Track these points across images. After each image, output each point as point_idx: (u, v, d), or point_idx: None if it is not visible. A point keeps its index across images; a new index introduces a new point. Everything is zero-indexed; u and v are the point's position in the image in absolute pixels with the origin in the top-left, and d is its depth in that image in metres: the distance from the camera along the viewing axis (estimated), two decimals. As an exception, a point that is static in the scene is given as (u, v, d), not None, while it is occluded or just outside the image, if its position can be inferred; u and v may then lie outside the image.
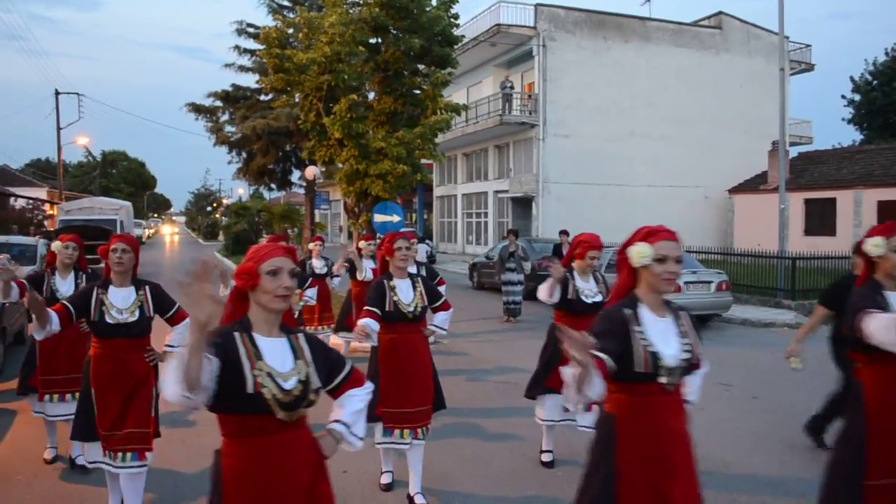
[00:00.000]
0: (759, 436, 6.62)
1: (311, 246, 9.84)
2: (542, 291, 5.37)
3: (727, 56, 30.89)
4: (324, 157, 13.85)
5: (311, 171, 19.88)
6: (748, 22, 32.09)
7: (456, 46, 14.87)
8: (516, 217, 29.91)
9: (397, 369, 4.87)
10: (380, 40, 13.85)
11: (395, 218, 12.83)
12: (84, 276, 5.74)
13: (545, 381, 5.55)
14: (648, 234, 3.08)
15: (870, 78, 39.93)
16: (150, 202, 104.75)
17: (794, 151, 31.16)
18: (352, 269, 9.11)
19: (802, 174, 27.73)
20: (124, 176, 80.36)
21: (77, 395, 4.97)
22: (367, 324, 4.68)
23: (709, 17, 32.23)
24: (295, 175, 28.70)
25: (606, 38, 28.77)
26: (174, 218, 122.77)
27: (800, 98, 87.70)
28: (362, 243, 9.36)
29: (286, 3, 25.26)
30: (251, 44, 25.32)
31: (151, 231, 73.06)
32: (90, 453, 4.65)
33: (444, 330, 5.42)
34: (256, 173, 27.17)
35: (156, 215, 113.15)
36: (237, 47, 26.24)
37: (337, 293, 10.70)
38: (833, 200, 25.58)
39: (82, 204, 28.78)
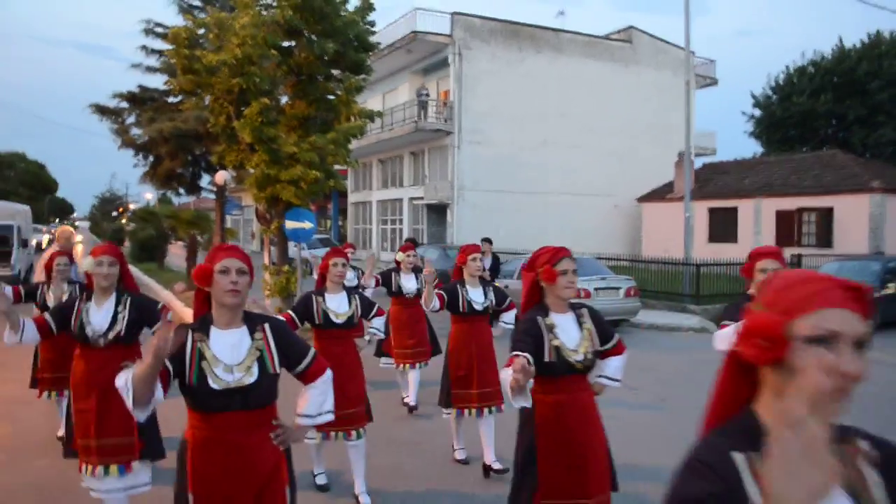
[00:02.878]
0: (667, 438, 6.79)
1: (402, 257, 8.41)
2: (423, 300, 5.85)
3: (637, 69, 31.82)
4: (234, 161, 13.54)
5: (222, 176, 19.44)
6: (657, 37, 33.17)
7: (371, 52, 14.79)
8: (431, 224, 30.00)
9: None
10: (293, 44, 13.65)
11: (308, 225, 12.64)
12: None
13: (453, 398, 5.96)
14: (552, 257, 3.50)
15: (770, 93, 41.79)
16: (51, 206, 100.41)
17: (699, 162, 32.32)
18: (387, 284, 8.03)
19: (707, 184, 28.77)
20: (22, 179, 76.76)
21: None
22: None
23: (620, 31, 33.13)
24: (205, 180, 27.98)
25: (521, 48, 29.21)
26: (78, 223, 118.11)
27: (705, 111, 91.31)
28: (400, 255, 8.23)
29: (196, 3, 24.63)
30: (159, 44, 24.57)
31: (53, 237, 69.89)
32: None
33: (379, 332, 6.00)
34: (164, 177, 26.33)
35: (58, 220, 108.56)
36: (144, 47, 25.41)
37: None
38: (735, 209, 26.65)
39: (-26, 208, 27.24)
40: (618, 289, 13.95)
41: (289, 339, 2.94)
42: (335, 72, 14.13)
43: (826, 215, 23.54)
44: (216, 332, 2.79)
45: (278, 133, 12.58)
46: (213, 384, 2.67)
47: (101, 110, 26.22)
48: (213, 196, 27.14)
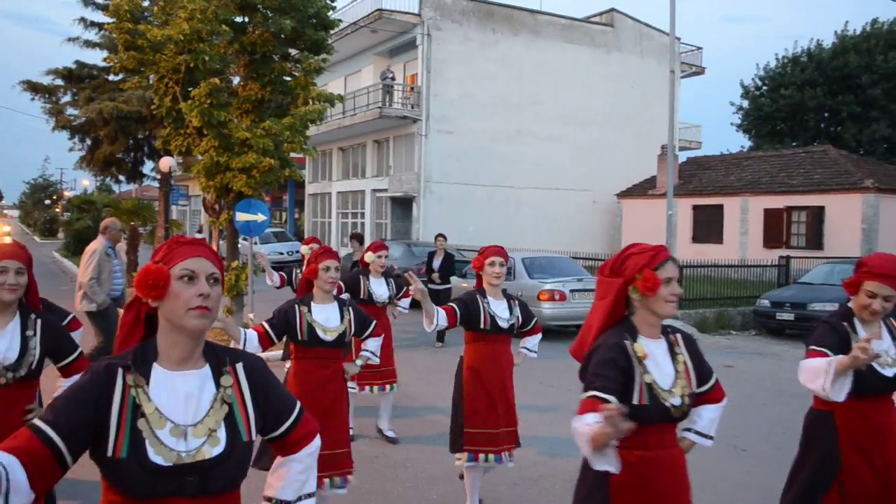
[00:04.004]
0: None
1: (371, 257, 7.69)
2: (425, 318, 4.97)
3: (619, 55, 32.06)
4: (180, 147, 13.36)
5: (166, 163, 19.22)
6: (641, 21, 33.44)
7: (333, 31, 14.70)
8: (396, 218, 29.94)
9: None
10: (247, 19, 13.50)
11: (261, 217, 12.51)
12: None
13: (466, 439, 5.13)
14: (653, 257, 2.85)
15: (759, 84, 42.36)
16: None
17: (683, 156, 32.71)
18: (353, 289, 7.43)
19: (691, 180, 29.08)
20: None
21: None
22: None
23: (601, 14, 33.36)
24: (148, 166, 27.72)
25: (495, 30, 29.26)
26: (6, 212, 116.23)
27: (690, 101, 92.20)
28: (370, 255, 7.68)
29: (141, -27, 24.33)
30: (100, 16, 24.26)
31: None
32: None
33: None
34: (103, 163, 26.01)
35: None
36: (83, 19, 25.08)
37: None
38: (720, 207, 26.97)
39: None
40: (594, 291, 14.02)
41: (269, 388, 2.15)
42: (292, 51, 14.02)
43: (817, 215, 23.92)
44: (162, 374, 1.97)
45: (229, 117, 12.45)
46: (155, 457, 1.87)
47: (34, 87, 25.84)
48: (156, 184, 26.89)
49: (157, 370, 1.98)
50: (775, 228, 24.97)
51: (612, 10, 32.96)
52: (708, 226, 27.39)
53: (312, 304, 4.75)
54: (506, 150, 28.85)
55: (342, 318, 4.78)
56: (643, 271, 2.75)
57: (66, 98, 26.42)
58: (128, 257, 21.75)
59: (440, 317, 4.89)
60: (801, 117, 39.74)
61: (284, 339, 7.97)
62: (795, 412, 9.17)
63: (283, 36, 13.22)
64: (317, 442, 2.30)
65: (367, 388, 7.19)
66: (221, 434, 1.98)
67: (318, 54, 14.09)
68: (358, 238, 12.54)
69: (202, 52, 12.14)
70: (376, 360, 5.43)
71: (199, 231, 51.29)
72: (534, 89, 29.44)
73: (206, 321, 1.98)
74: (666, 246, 2.97)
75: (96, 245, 8.95)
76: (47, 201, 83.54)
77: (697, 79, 37.14)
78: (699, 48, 36.79)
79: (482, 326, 5.04)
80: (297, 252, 30.08)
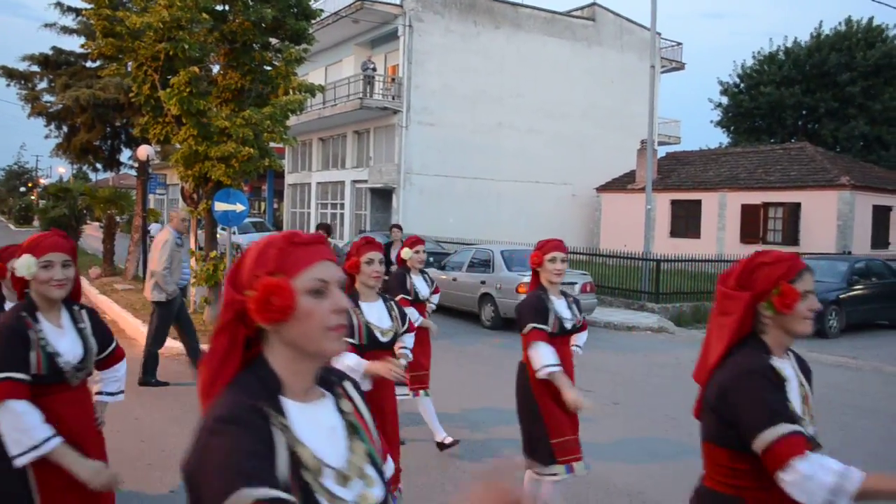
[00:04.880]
0: (620, 444, 6.89)
1: (409, 254, 7.20)
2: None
3: (599, 49, 32.15)
4: (159, 135, 13.26)
5: (144, 151, 19.03)
6: (622, 16, 33.55)
7: (314, 21, 14.63)
8: (375, 210, 29.91)
9: None
10: (227, 8, 13.41)
11: (240, 207, 12.46)
12: None
13: (557, 449, 4.59)
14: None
15: (738, 81, 42.65)
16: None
17: (662, 151, 32.88)
18: (402, 287, 7.01)
19: (669, 175, 29.26)
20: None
21: None
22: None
23: (582, 8, 33.45)
24: (125, 154, 27.43)
25: (476, 22, 29.24)
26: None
27: (669, 97, 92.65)
28: (407, 251, 7.25)
29: (120, -41, 24.09)
30: (77, 2, 23.97)
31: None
32: None
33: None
34: (79, 150, 25.72)
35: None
36: (60, 4, 24.73)
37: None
38: (698, 202, 27.17)
39: None
40: (573, 284, 14.10)
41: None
42: (273, 41, 13.95)
43: (793, 211, 24.15)
44: (296, 410, 1.52)
45: (209, 105, 12.37)
46: None
47: (9, 73, 25.52)
48: (134, 173, 26.65)
49: (289, 406, 1.51)
50: (752, 224, 25.19)
51: (594, 4, 33.05)
52: (686, 220, 27.59)
53: (359, 302, 4.31)
54: (486, 142, 28.87)
55: (391, 315, 4.40)
56: (780, 284, 2.38)
57: (43, 84, 26.11)
58: (104, 246, 21.62)
59: (546, 354, 4.34)
60: (779, 114, 40.07)
61: None
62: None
63: (263, 25, 13.14)
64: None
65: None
66: (370, 471, 1.61)
67: (298, 44, 14.03)
68: (325, 228, 12.32)
69: (182, 40, 12.06)
70: (410, 357, 4.82)
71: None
72: (515, 82, 29.47)
73: (344, 343, 1.61)
74: (798, 255, 2.50)
75: (166, 235, 9.13)
76: (22, 189, 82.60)
77: (677, 74, 37.32)
78: (679, 44, 36.97)
79: (551, 330, 4.50)
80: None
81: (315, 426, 1.54)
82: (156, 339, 9.08)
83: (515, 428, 4.72)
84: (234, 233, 13.48)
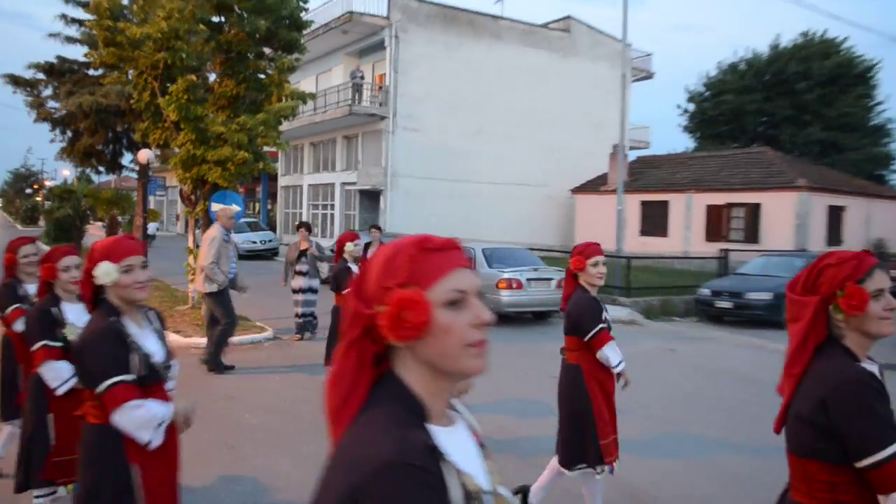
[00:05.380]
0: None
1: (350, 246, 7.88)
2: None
3: (574, 59, 32.20)
4: (158, 140, 13.22)
5: (145, 155, 18.92)
6: (595, 28, 33.62)
7: (305, 31, 14.60)
8: (364, 210, 29.85)
9: None
10: (223, 19, 13.36)
11: (235, 208, 12.36)
12: None
13: (605, 450, 4.52)
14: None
15: (703, 89, 42.88)
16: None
17: (632, 155, 32.96)
18: (338, 278, 7.56)
19: (640, 177, 29.35)
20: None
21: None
22: None
23: (558, 21, 33.47)
24: (127, 158, 27.33)
25: (459, 33, 29.23)
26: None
27: (639, 104, 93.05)
28: (348, 245, 7.72)
29: (121, -27, 23.90)
30: (80, 13, 23.80)
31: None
32: None
33: None
34: (83, 154, 25.60)
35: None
36: (64, 16, 24.61)
37: None
38: (666, 203, 27.27)
39: None
40: (550, 280, 14.14)
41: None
42: (267, 50, 13.92)
43: (754, 211, 24.30)
44: (445, 438, 1.30)
45: (206, 112, 12.34)
46: None
47: (16, 81, 25.35)
48: (135, 175, 26.50)
49: (438, 434, 1.29)
50: (716, 223, 25.33)
51: (569, 17, 33.12)
52: (654, 220, 27.68)
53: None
54: (467, 146, 28.87)
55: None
56: (845, 285, 2.16)
57: (48, 91, 25.97)
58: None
59: (617, 352, 4.51)
60: (741, 120, 40.30)
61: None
62: (734, 391, 9.35)
63: (257, 35, 13.11)
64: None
65: None
66: (502, 490, 1.42)
67: (291, 53, 14.01)
68: (305, 227, 12.00)
69: (180, 50, 12.01)
70: None
71: (177, 219, 50.69)
72: (494, 90, 29.47)
73: (487, 360, 1.35)
74: (871, 251, 2.26)
75: (214, 232, 9.20)
76: (29, 190, 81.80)
77: (646, 82, 37.46)
78: (649, 54, 37.09)
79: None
80: (271, 241, 29.88)
81: (464, 451, 1.33)
82: (227, 325, 9.14)
83: (495, 418, 4.73)
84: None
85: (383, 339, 1.29)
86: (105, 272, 2.82)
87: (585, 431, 4.45)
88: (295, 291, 11.73)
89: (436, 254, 1.32)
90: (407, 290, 1.27)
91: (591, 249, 4.48)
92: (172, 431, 2.94)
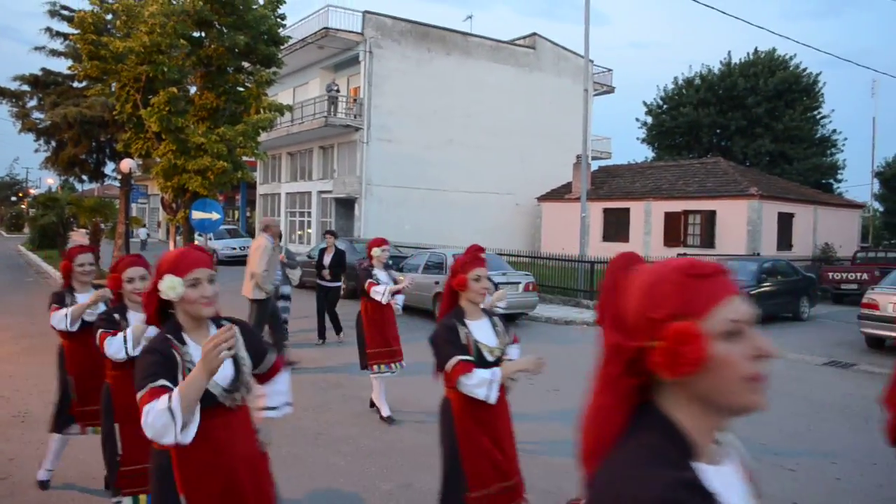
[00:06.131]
0: (560, 421, 6.94)
1: (378, 251, 7.37)
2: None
3: (539, 74, 32.38)
4: (140, 150, 13.11)
5: (127, 164, 18.64)
6: (559, 45, 33.82)
7: (283, 46, 14.55)
8: (339, 217, 29.74)
9: None
10: (203, 34, 13.27)
11: (215, 215, 12.30)
12: None
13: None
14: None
15: (660, 102, 43.32)
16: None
17: (595, 165, 33.18)
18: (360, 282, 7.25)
19: (602, 186, 29.55)
20: None
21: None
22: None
23: (524, 38, 33.62)
24: (109, 167, 26.96)
25: (430, 49, 29.25)
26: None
27: (601, 117, 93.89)
28: (375, 250, 7.33)
29: (104, -12, 23.59)
30: (65, 27, 23.48)
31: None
32: None
33: None
34: (67, 163, 25.22)
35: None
36: (49, 29, 24.25)
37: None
38: (627, 210, 27.49)
39: None
40: (517, 283, 14.17)
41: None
42: (245, 64, 13.85)
43: (709, 218, 24.57)
44: (712, 474, 1.21)
45: (186, 123, 12.24)
46: None
47: (1, 92, 24.94)
48: (117, 184, 26.13)
49: (708, 473, 1.15)
50: (674, 229, 25.56)
51: (535, 34, 33.26)
52: (616, 226, 27.88)
53: (466, 320, 3.55)
54: (438, 157, 28.88)
55: (496, 331, 3.64)
56: None
57: (33, 102, 25.57)
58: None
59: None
60: (697, 132, 40.77)
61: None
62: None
63: (236, 50, 13.05)
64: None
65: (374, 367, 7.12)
66: None
67: (269, 67, 13.95)
68: (277, 235, 11.65)
69: (161, 64, 11.90)
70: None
71: (158, 227, 50.10)
72: (464, 103, 29.53)
73: (767, 397, 1.19)
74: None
75: (263, 241, 9.10)
76: (13, 198, 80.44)
77: (608, 96, 37.75)
78: (609, 70, 37.41)
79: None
80: (249, 248, 29.64)
81: (734, 494, 1.19)
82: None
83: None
84: (210, 239, 13.30)
85: (648, 372, 1.17)
86: (170, 286, 2.50)
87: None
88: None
89: (706, 281, 1.17)
90: (681, 322, 1.13)
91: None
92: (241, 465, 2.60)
